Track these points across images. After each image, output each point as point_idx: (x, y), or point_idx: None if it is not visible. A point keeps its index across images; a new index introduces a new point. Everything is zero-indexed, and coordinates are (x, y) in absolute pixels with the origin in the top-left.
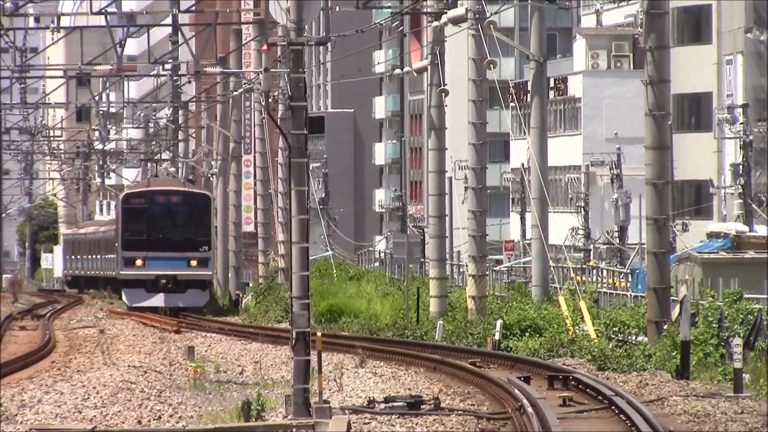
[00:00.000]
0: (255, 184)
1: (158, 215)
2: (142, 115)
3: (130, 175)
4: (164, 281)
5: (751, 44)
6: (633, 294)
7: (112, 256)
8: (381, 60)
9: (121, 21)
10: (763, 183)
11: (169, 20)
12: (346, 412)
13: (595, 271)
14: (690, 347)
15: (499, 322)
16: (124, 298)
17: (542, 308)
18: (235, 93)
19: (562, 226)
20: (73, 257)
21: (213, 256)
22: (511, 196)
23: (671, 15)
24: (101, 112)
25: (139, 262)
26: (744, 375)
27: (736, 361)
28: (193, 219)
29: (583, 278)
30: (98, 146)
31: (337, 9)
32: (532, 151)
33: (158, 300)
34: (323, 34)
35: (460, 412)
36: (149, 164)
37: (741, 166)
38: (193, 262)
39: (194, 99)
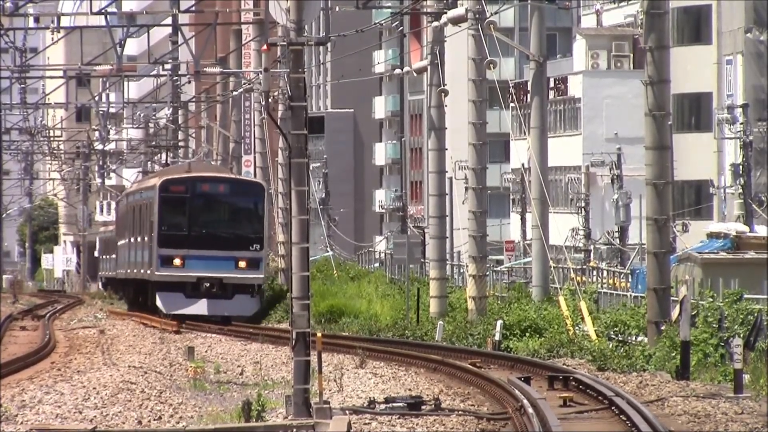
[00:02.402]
0: None
1: (202, 207)
2: (142, 115)
3: (130, 175)
4: (207, 285)
5: (751, 44)
6: (633, 294)
7: (146, 252)
8: (381, 60)
9: (121, 21)
10: (763, 183)
11: (169, 20)
12: (347, 412)
13: (595, 272)
14: (690, 348)
15: (499, 323)
16: (158, 303)
17: (542, 309)
18: (235, 93)
19: (563, 226)
20: (108, 257)
21: (265, 256)
22: (511, 197)
23: (671, 15)
24: (101, 112)
25: (177, 261)
26: (744, 375)
27: (736, 361)
28: (243, 212)
29: (584, 278)
30: (98, 146)
31: (337, 9)
32: (532, 151)
33: (200, 307)
34: (323, 34)
35: (460, 412)
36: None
37: (741, 166)
38: (242, 263)
39: (194, 99)
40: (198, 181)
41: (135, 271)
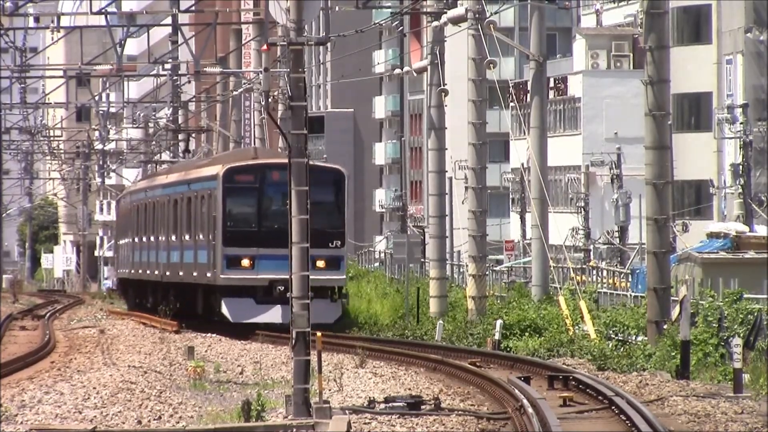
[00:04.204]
0: None
1: (273, 198)
2: (142, 115)
3: (130, 175)
4: (281, 288)
5: (751, 44)
6: (633, 294)
7: (201, 252)
8: (381, 60)
9: (121, 21)
10: (763, 183)
11: (169, 20)
12: (347, 412)
13: (595, 271)
14: (690, 347)
15: (499, 322)
16: (224, 311)
17: (542, 308)
18: (235, 93)
19: (562, 226)
20: (127, 251)
21: (346, 254)
22: (511, 196)
23: (671, 15)
24: (101, 112)
25: (246, 262)
26: (744, 375)
27: (736, 361)
28: (321, 203)
29: (583, 278)
30: (98, 146)
31: (337, 9)
32: (532, 151)
33: (274, 314)
34: (323, 34)
35: (460, 412)
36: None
37: (741, 166)
38: (321, 263)
39: (194, 99)
40: (268, 168)
41: (183, 273)
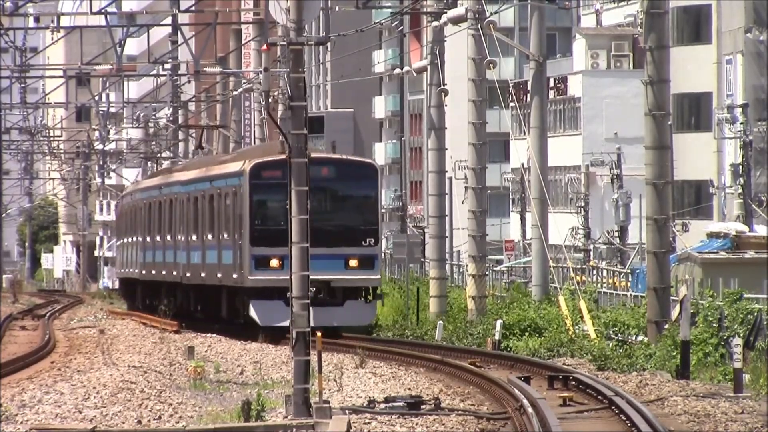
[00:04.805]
0: None
1: None
2: (142, 115)
3: (130, 175)
4: (313, 289)
5: (751, 44)
6: (633, 294)
7: (226, 252)
8: (381, 60)
9: (121, 21)
10: (763, 183)
11: (169, 20)
12: (346, 412)
13: (595, 271)
14: (690, 347)
15: (499, 322)
16: (253, 314)
17: (542, 308)
18: (235, 93)
19: (562, 226)
20: (133, 250)
21: (380, 252)
22: (511, 196)
23: (671, 15)
24: (101, 112)
25: (275, 262)
26: (744, 375)
27: (736, 361)
28: (354, 199)
29: (583, 278)
30: (98, 146)
31: (337, 9)
32: (532, 151)
33: None
34: (323, 33)
35: (460, 412)
36: (149, 163)
37: (741, 166)
38: (353, 262)
39: (194, 99)
40: None
41: (205, 274)
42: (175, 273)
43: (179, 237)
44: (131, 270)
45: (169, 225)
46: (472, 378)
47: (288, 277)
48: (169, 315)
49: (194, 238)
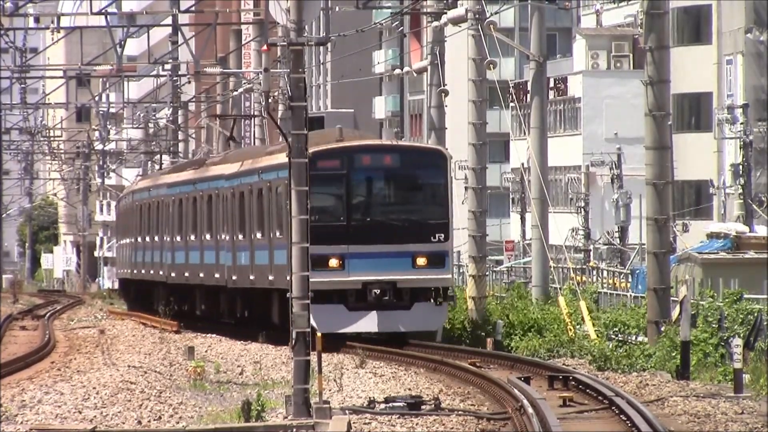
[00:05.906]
0: None
1: (365, 186)
2: (142, 115)
3: (130, 175)
4: (377, 291)
5: (751, 44)
6: (633, 294)
7: (279, 252)
8: (381, 60)
9: (121, 21)
10: (763, 183)
11: (169, 20)
12: (347, 412)
13: (595, 272)
14: (690, 347)
15: (499, 323)
16: (312, 320)
17: (542, 308)
18: (235, 93)
19: (562, 226)
20: (143, 251)
21: (451, 249)
22: (511, 196)
23: (671, 15)
24: (101, 112)
25: (334, 262)
26: (744, 375)
27: (736, 361)
28: (421, 190)
29: (584, 278)
30: (98, 146)
31: (337, 9)
32: (532, 151)
33: (369, 322)
34: (323, 34)
35: (460, 412)
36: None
37: (741, 166)
38: (422, 260)
39: (194, 99)
40: (358, 151)
41: (255, 277)
42: (217, 276)
43: (223, 236)
44: (136, 271)
45: (205, 223)
46: (472, 378)
47: (348, 279)
48: (169, 315)
49: (241, 237)
